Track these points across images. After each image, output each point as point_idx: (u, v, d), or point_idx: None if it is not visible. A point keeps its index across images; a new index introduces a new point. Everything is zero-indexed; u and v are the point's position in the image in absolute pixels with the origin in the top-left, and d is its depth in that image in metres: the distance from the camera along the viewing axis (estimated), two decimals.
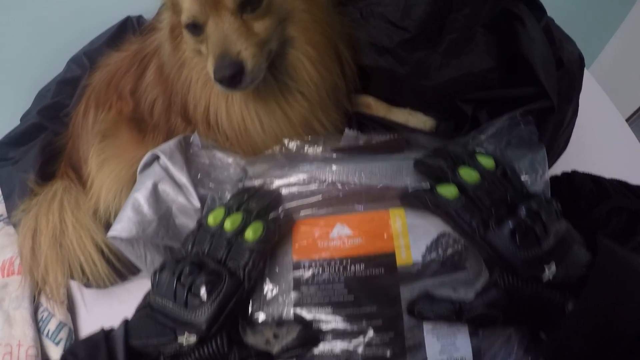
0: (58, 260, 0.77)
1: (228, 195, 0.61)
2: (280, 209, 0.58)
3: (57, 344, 0.80)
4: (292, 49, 0.63)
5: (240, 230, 0.54)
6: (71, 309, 0.84)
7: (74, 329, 0.82)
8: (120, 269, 0.77)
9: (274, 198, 0.58)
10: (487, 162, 0.54)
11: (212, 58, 0.55)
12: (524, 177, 0.60)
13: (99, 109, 0.80)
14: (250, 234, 0.52)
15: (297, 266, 0.55)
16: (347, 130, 0.65)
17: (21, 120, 0.96)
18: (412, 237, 0.54)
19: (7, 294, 0.84)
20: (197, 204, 0.65)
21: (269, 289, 0.55)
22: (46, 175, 0.86)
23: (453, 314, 0.50)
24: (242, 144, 0.67)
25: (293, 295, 0.54)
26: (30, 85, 0.98)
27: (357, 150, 0.61)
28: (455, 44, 0.74)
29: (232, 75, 0.54)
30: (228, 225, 0.54)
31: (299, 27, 0.62)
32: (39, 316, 0.83)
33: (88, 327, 0.84)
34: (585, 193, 0.73)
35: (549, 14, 0.78)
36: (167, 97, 0.70)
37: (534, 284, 0.47)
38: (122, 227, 0.63)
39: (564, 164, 0.78)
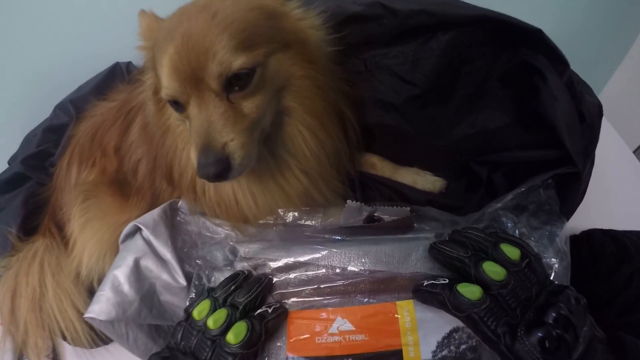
0: (38, 325, 0.73)
1: (214, 279, 0.55)
2: (270, 301, 0.51)
3: None
4: (290, 119, 0.56)
5: (224, 330, 0.48)
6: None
7: None
8: (103, 337, 0.71)
9: (263, 288, 0.52)
10: (512, 253, 0.48)
11: (195, 149, 0.48)
12: (545, 259, 0.54)
13: (82, 164, 0.75)
14: (232, 337, 0.47)
15: None
16: (349, 202, 0.58)
17: (9, 162, 0.91)
18: (421, 332, 0.48)
19: None
20: (182, 281, 0.59)
21: None
22: (29, 229, 0.81)
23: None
24: (231, 216, 0.61)
25: None
26: (19, 128, 0.93)
27: (360, 232, 0.54)
28: (468, 99, 0.68)
29: (217, 174, 0.47)
30: (211, 323, 0.48)
31: (298, 96, 0.56)
32: None
33: None
34: (606, 256, 0.68)
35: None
36: (151, 159, 0.64)
37: None
38: (101, 308, 0.57)
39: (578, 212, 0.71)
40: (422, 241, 0.52)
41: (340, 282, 0.50)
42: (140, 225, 0.60)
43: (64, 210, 0.75)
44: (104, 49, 0.91)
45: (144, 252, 0.60)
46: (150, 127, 0.62)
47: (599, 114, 0.71)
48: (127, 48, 0.85)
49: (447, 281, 0.48)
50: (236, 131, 0.48)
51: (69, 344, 0.75)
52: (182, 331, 0.51)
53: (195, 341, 0.49)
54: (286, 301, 0.51)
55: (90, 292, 0.72)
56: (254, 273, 0.54)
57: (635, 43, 1.23)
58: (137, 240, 0.61)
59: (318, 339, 0.49)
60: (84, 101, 0.85)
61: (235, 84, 0.49)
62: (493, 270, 0.46)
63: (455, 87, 0.67)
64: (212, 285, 0.57)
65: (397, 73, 0.67)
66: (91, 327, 0.71)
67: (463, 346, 0.48)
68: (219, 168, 0.47)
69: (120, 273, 0.59)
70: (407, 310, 0.49)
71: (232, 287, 0.52)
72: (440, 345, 0.48)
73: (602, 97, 1.30)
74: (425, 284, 0.49)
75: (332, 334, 0.49)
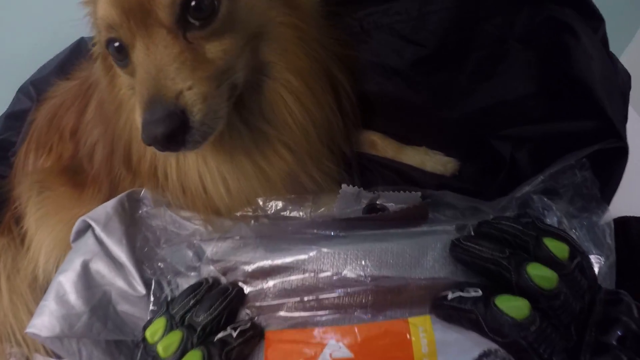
0: None
1: (179, 287, 0.42)
2: (240, 320, 0.38)
3: None
4: (269, 80, 0.42)
5: (179, 357, 0.34)
6: None
7: None
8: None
9: (229, 302, 0.37)
10: (559, 249, 0.34)
11: (140, 106, 0.34)
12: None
13: (39, 151, 0.61)
14: None
15: None
16: (344, 187, 0.44)
17: None
18: (442, 359, 0.34)
19: None
20: (141, 289, 0.44)
21: None
22: None
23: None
24: (199, 206, 0.46)
25: None
26: None
27: (359, 225, 0.40)
28: (485, 63, 0.53)
29: (167, 135, 0.33)
30: (161, 350, 0.35)
31: (278, 49, 0.41)
32: None
33: None
34: None
35: None
36: (108, 142, 0.49)
37: None
38: (43, 322, 0.44)
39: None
40: (440, 235, 0.38)
41: (334, 293, 0.36)
42: (90, 221, 0.46)
43: (22, 203, 0.62)
44: (68, 23, 0.76)
45: (95, 253, 0.45)
46: (105, 104, 0.48)
47: (629, 85, 0.57)
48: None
49: (481, 293, 0.33)
50: (195, 78, 0.34)
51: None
52: (140, 356, 0.37)
53: None
54: (262, 317, 0.37)
55: None
56: (222, 281, 0.40)
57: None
58: (88, 239, 0.46)
59: None
60: (46, 82, 0.70)
61: (194, 17, 0.35)
62: (542, 275, 0.32)
63: (468, 48, 0.53)
64: (174, 295, 0.43)
65: (400, 32, 0.53)
66: None
67: None
68: (171, 125, 0.33)
69: (66, 279, 0.44)
70: (423, 330, 0.34)
71: (192, 302, 0.37)
72: None
73: None
74: (450, 297, 0.34)
75: None
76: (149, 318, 0.43)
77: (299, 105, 0.42)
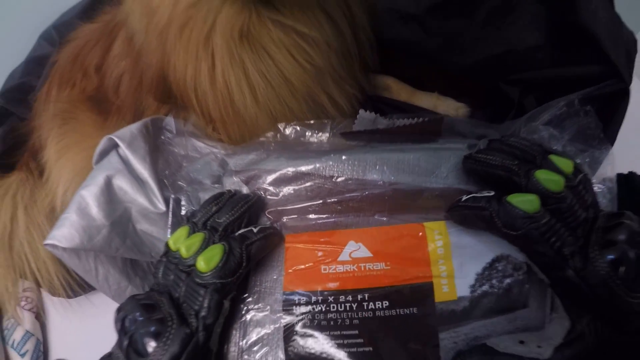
0: (9, 266, 0.58)
1: (200, 200, 0.40)
2: (261, 220, 0.36)
3: (23, 355, 0.61)
4: None
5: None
6: (40, 317, 0.64)
7: (43, 341, 0.63)
8: (82, 283, 0.57)
9: (251, 206, 0.37)
10: (565, 164, 0.34)
11: None
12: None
13: (61, 87, 0.59)
14: (202, 264, 0.32)
15: (289, 301, 0.34)
16: (361, 112, 0.43)
17: None
18: (456, 261, 0.33)
19: None
20: (161, 206, 0.43)
21: (252, 331, 0.34)
22: (7, 165, 0.65)
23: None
24: (226, 120, 0.45)
25: (281, 344, 0.32)
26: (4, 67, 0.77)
27: (376, 136, 0.39)
28: (496, 12, 0.52)
29: None
30: (183, 251, 0.34)
31: None
32: (4, 324, 0.63)
33: (59, 338, 0.64)
34: None
35: None
36: (137, 73, 0.48)
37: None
38: (63, 233, 0.42)
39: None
40: (453, 151, 0.37)
41: (352, 195, 0.35)
42: (115, 139, 0.45)
43: (42, 138, 0.60)
44: None
45: (118, 169, 0.44)
46: (137, 37, 0.47)
47: (635, 46, 0.55)
48: None
49: (493, 193, 0.33)
50: None
51: (46, 291, 0.61)
52: (163, 268, 0.36)
53: (172, 276, 0.35)
54: (283, 221, 0.36)
55: None
56: (243, 191, 0.39)
57: None
58: (112, 157, 0.45)
59: (324, 269, 0.34)
60: (69, 27, 0.68)
61: None
62: (550, 178, 0.32)
63: None
64: (191, 207, 0.41)
65: None
66: (67, 270, 0.56)
67: (508, 280, 0.33)
68: None
69: (88, 193, 0.43)
70: (438, 233, 0.33)
71: (214, 209, 0.36)
72: (480, 279, 0.33)
73: None
74: (464, 198, 0.34)
75: (343, 262, 0.33)
76: (168, 235, 0.42)
77: (321, 13, 0.41)
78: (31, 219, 0.57)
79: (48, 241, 0.43)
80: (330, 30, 0.41)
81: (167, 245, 0.36)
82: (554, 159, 0.35)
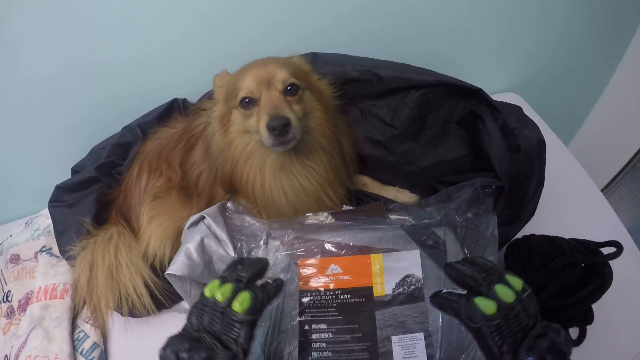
0: (111, 290, 1.28)
1: (253, 253, 1.16)
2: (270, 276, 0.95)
3: None
4: (310, 137, 1.17)
5: (232, 301, 0.75)
6: (104, 333, 1.36)
7: (105, 350, 1.34)
8: (162, 300, 1.30)
9: (262, 266, 0.88)
10: (516, 283, 0.73)
11: (265, 116, 1.03)
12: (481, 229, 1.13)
13: (151, 173, 1.37)
14: (237, 306, 0.74)
15: (301, 293, 1.10)
16: (344, 207, 1.22)
17: (73, 169, 1.53)
18: (386, 276, 1.09)
19: (48, 314, 1.34)
20: (232, 253, 1.20)
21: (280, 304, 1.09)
22: (99, 220, 1.41)
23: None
24: (268, 209, 1.22)
25: (298, 312, 1.08)
26: (82, 141, 1.58)
27: (349, 214, 1.17)
28: (434, 137, 1.32)
29: (282, 125, 1.01)
30: (219, 296, 0.75)
31: (316, 122, 1.18)
32: (75, 336, 1.33)
33: (118, 349, 1.35)
34: (540, 252, 1.14)
35: (535, 95, 1.33)
36: (212, 173, 1.26)
37: None
38: (177, 267, 1.18)
39: (537, 228, 1.25)
40: (392, 229, 1.14)
41: (334, 247, 1.11)
42: (205, 215, 1.22)
43: (133, 209, 1.37)
44: (163, 85, 1.56)
45: (207, 233, 1.21)
46: (211, 149, 1.24)
47: (537, 145, 1.27)
48: (183, 86, 1.52)
49: (466, 292, 0.76)
50: (291, 111, 1.06)
51: (129, 314, 1.32)
52: (197, 312, 0.77)
53: (207, 317, 0.74)
54: (298, 254, 1.13)
55: (153, 270, 1.29)
56: (279, 249, 1.12)
57: (607, 87, 1.94)
58: (202, 226, 1.23)
59: (319, 278, 1.09)
60: (149, 126, 1.50)
61: (290, 91, 1.12)
62: (505, 292, 0.69)
63: (424, 128, 1.32)
64: (249, 248, 1.18)
65: (383, 119, 1.33)
66: (152, 295, 1.29)
67: (412, 287, 1.08)
68: (284, 121, 1.02)
69: (191, 246, 1.20)
70: (377, 261, 1.09)
71: (238, 267, 0.84)
72: (398, 285, 1.08)
73: (576, 141, 2.02)
74: (443, 291, 0.80)
75: (328, 275, 1.10)
76: None
77: (324, 153, 1.19)
78: (130, 260, 1.31)
79: (169, 272, 1.19)
80: (327, 160, 1.20)
81: (202, 294, 0.79)
82: (509, 278, 0.73)
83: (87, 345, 1.31)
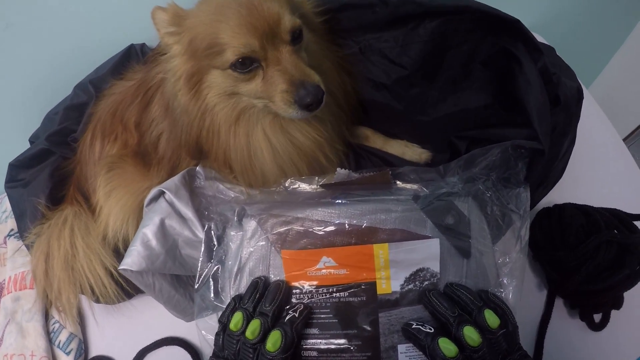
0: (70, 282, 1.06)
1: (226, 233, 0.87)
2: (292, 303, 0.79)
3: (68, 354, 1.12)
4: None
5: (262, 338, 0.72)
6: (81, 320, 1.17)
7: (84, 340, 1.15)
8: (129, 290, 1.05)
9: (283, 294, 0.78)
10: (493, 321, 0.71)
11: (284, 84, 0.80)
12: (512, 211, 0.84)
13: (105, 139, 1.07)
14: (270, 346, 0.70)
15: None
16: (338, 170, 0.90)
17: (30, 140, 1.24)
18: (393, 270, 0.79)
19: (20, 307, 1.17)
20: (201, 235, 0.90)
21: None
22: (56, 199, 1.15)
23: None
24: (249, 175, 0.93)
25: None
26: (38, 106, 1.28)
27: (345, 186, 0.86)
28: (452, 80, 0.98)
29: (320, 97, 0.79)
30: (249, 334, 0.72)
31: (311, 55, 0.88)
32: (50, 328, 1.15)
33: (97, 338, 1.17)
34: (575, 227, 0.97)
35: (551, 34, 1.00)
36: (176, 137, 0.95)
37: None
38: (133, 260, 0.89)
39: (561, 190, 1.03)
40: (400, 202, 0.82)
41: (328, 232, 0.81)
42: (164, 189, 0.92)
43: (89, 181, 1.08)
44: (118, 31, 1.23)
45: (168, 212, 0.91)
46: (173, 109, 0.93)
47: (577, 97, 0.99)
48: (140, 30, 1.18)
49: (432, 331, 0.72)
50: (312, 70, 0.82)
51: (97, 301, 1.08)
52: (222, 341, 0.76)
53: (237, 348, 0.73)
54: (283, 244, 0.82)
55: (115, 253, 1.04)
56: (270, 279, 0.82)
57: (629, 36, 1.59)
58: (162, 203, 0.93)
59: (309, 272, 0.80)
60: (103, 81, 1.18)
61: (296, 40, 0.82)
62: (470, 336, 0.68)
63: (440, 69, 0.98)
64: (220, 235, 0.88)
65: (388, 56, 0.98)
66: (117, 283, 1.04)
67: (426, 282, 0.78)
68: (320, 93, 0.79)
69: (149, 231, 0.90)
70: (382, 253, 0.79)
71: (257, 296, 0.78)
72: (407, 280, 0.78)
73: (595, 86, 1.69)
74: (413, 326, 0.75)
75: (319, 269, 0.80)
76: (200, 262, 0.88)
77: (328, 106, 0.88)
78: (88, 246, 1.05)
79: (122, 267, 0.90)
80: (334, 105, 0.88)
81: (227, 327, 0.75)
82: (487, 314, 0.71)
83: (63, 337, 1.14)
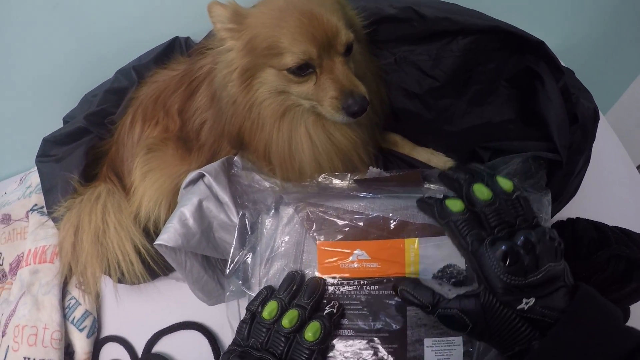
0: (97, 257, 1.04)
1: (261, 219, 0.86)
2: (332, 303, 0.78)
3: (81, 330, 1.10)
4: None
5: (298, 328, 0.71)
6: (97, 299, 1.13)
7: (98, 318, 1.13)
8: (156, 269, 1.03)
9: (322, 292, 0.78)
10: (505, 184, 0.68)
11: (334, 92, 0.81)
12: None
13: (145, 122, 1.06)
14: (310, 335, 0.70)
15: None
16: (371, 168, 0.90)
17: (64, 120, 1.23)
18: (422, 266, 0.78)
19: (37, 280, 1.15)
20: (236, 220, 0.89)
21: None
22: (89, 176, 1.13)
23: (429, 304, 0.67)
24: (287, 168, 0.92)
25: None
26: (75, 88, 1.27)
27: (378, 182, 0.86)
28: (480, 94, 0.98)
29: (365, 107, 0.81)
30: (286, 322, 0.71)
31: (359, 66, 0.89)
32: (66, 303, 1.14)
33: (111, 317, 1.15)
34: (586, 240, 0.96)
35: (570, 59, 1.02)
36: (219, 125, 0.95)
37: (508, 310, 0.61)
38: (169, 237, 0.88)
39: (574, 207, 1.03)
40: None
41: (360, 224, 0.80)
42: (204, 172, 0.91)
43: (126, 162, 1.07)
44: (164, 22, 1.23)
45: (207, 195, 0.90)
46: (220, 99, 0.92)
47: (594, 117, 1.00)
48: (186, 23, 1.18)
49: (441, 197, 0.73)
50: (359, 81, 0.83)
51: (120, 280, 1.07)
52: (249, 329, 0.74)
53: (266, 338, 0.72)
54: (318, 234, 0.82)
55: (145, 233, 1.03)
56: (307, 275, 0.81)
57: None
58: (200, 185, 0.92)
59: (342, 264, 0.79)
60: (146, 68, 1.17)
61: (347, 52, 0.83)
62: (480, 190, 0.67)
63: (469, 83, 0.98)
64: (254, 223, 0.87)
65: (421, 68, 0.98)
66: (144, 262, 1.02)
67: (453, 279, 0.78)
68: (365, 103, 0.81)
69: (187, 210, 0.89)
70: (412, 248, 0.79)
71: (294, 288, 0.77)
72: (435, 277, 0.78)
73: (611, 113, 1.69)
74: (425, 196, 0.77)
75: (352, 261, 0.79)
76: (235, 242, 0.87)
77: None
78: (119, 223, 1.04)
79: (158, 242, 0.89)
80: (371, 111, 0.88)
81: (257, 315, 0.74)
82: (499, 179, 0.69)
83: (78, 313, 1.12)
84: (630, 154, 1.25)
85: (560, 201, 0.98)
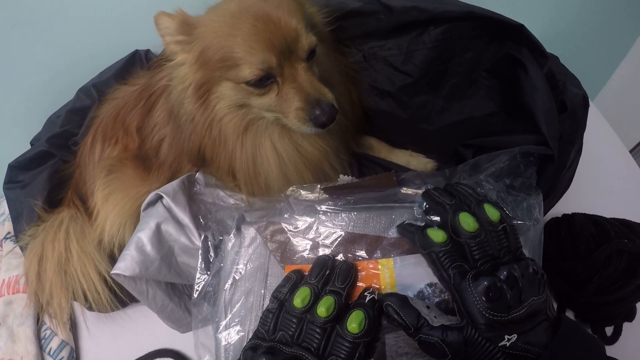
0: (62, 287, 0.90)
1: (223, 241, 0.72)
2: (370, 289, 0.64)
3: None
4: None
5: (336, 317, 0.59)
6: (73, 328, 0.99)
7: (75, 349, 0.98)
8: (122, 297, 0.89)
9: (354, 274, 0.64)
10: (492, 214, 0.60)
11: (299, 102, 0.69)
12: (520, 222, 0.69)
13: (105, 142, 0.92)
14: (354, 326, 0.57)
15: None
16: (341, 176, 0.76)
17: (31, 143, 1.08)
18: (399, 287, 0.64)
19: (12, 311, 1.00)
20: (198, 243, 0.75)
21: None
22: (53, 202, 0.99)
23: (412, 326, 0.56)
24: (252, 184, 0.79)
25: None
26: (40, 112, 1.11)
27: (349, 189, 0.71)
28: (457, 88, 0.83)
29: (334, 116, 0.69)
30: (322, 311, 0.58)
31: (320, 67, 0.76)
32: (42, 334, 0.98)
33: (89, 347, 0.99)
34: (585, 236, 0.83)
35: (555, 47, 0.87)
36: (179, 144, 0.82)
37: (490, 345, 0.53)
38: (126, 265, 0.74)
39: (568, 202, 0.89)
40: (406, 209, 0.68)
41: (331, 242, 0.66)
42: (161, 194, 0.77)
43: (87, 184, 0.93)
44: (123, 36, 1.09)
45: (165, 217, 0.76)
46: (178, 116, 0.78)
47: (583, 104, 0.85)
48: (145, 36, 1.03)
49: (423, 224, 0.63)
50: (326, 87, 0.71)
51: (90, 309, 0.93)
52: (276, 319, 0.61)
53: (298, 330, 0.59)
54: (284, 254, 0.67)
55: (111, 258, 0.89)
56: (339, 258, 0.67)
57: (632, 47, 1.42)
58: (159, 207, 0.78)
59: None
60: (106, 85, 1.02)
61: (310, 56, 0.70)
62: (466, 221, 0.58)
63: (445, 76, 0.83)
64: (217, 245, 0.73)
65: (392, 63, 0.83)
66: (111, 290, 0.88)
67: (436, 299, 0.63)
68: (334, 112, 0.69)
69: (144, 235, 0.75)
70: (387, 268, 0.64)
71: (327, 273, 0.63)
72: (420, 298, 0.63)
73: (601, 96, 1.52)
74: (406, 222, 0.65)
75: None
76: (199, 266, 0.73)
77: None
78: (83, 250, 0.89)
79: (114, 271, 0.75)
80: (340, 115, 0.73)
81: (287, 303, 0.60)
82: (487, 207, 0.59)
83: (54, 344, 0.97)
84: (623, 140, 1.11)
85: (553, 197, 0.83)
